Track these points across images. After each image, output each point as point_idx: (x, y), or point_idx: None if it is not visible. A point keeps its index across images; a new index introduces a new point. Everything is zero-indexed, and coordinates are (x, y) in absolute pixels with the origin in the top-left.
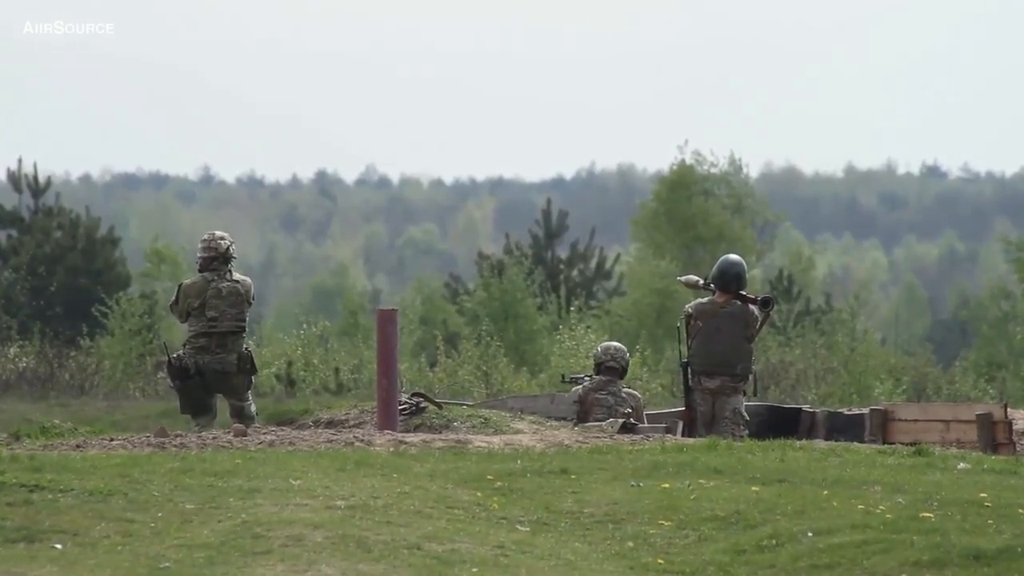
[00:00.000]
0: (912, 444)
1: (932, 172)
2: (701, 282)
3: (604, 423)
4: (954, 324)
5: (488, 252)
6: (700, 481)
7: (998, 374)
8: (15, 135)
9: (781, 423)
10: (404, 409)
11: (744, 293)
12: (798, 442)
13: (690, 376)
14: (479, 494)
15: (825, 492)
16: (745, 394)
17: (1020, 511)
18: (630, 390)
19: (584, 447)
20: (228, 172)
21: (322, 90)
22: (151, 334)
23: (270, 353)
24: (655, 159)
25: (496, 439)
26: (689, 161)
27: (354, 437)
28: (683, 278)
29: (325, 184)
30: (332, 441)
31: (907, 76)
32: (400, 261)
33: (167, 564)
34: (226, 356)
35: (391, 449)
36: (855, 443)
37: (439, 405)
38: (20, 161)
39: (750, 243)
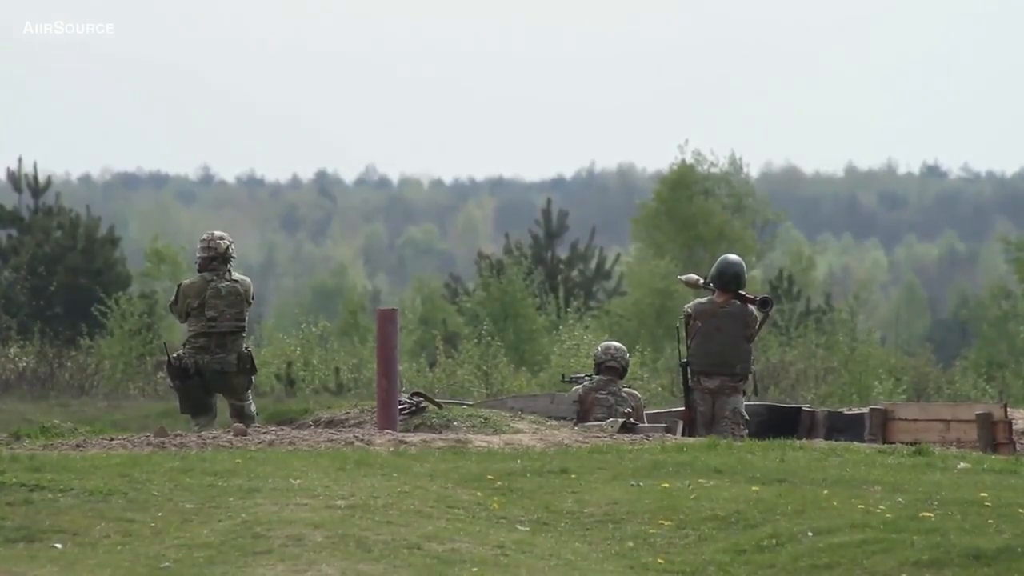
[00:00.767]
0: (912, 444)
1: (932, 172)
2: (701, 281)
3: (604, 423)
4: (954, 324)
5: (488, 252)
6: (700, 481)
7: (998, 374)
8: (15, 135)
9: (781, 423)
10: (404, 409)
11: (743, 293)
12: (798, 442)
13: (689, 376)
14: (479, 494)
15: (825, 492)
16: (745, 394)
17: (1020, 511)
18: (630, 390)
19: (584, 447)
20: (228, 172)
21: (322, 90)
22: (151, 334)
23: (270, 353)
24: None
25: (496, 439)
26: (689, 161)
27: (354, 437)
28: (683, 277)
29: (325, 184)
30: (332, 441)
31: (907, 76)
32: (400, 261)
33: (167, 564)
34: (226, 356)
35: (391, 449)
36: (855, 443)
37: (439, 405)
38: (20, 161)
39: (750, 243)
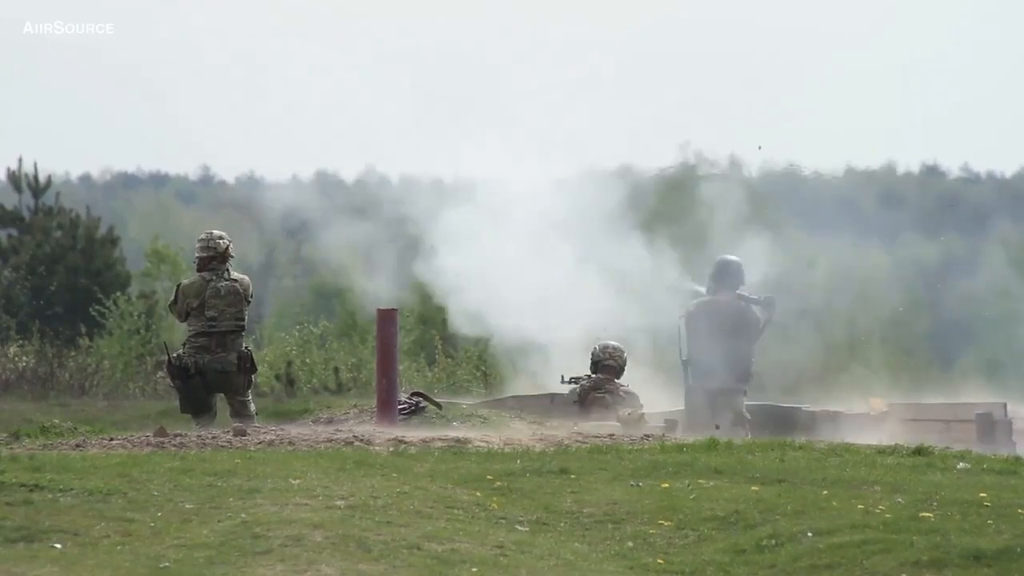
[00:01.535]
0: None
1: (932, 172)
2: (697, 288)
3: (623, 412)
4: (954, 324)
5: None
6: (700, 481)
7: (998, 374)
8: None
9: (781, 422)
10: (404, 409)
11: (746, 294)
12: (798, 442)
13: (690, 376)
14: (479, 494)
15: (825, 492)
16: (745, 394)
17: (1020, 511)
18: (628, 389)
19: (584, 447)
20: (228, 172)
21: (322, 90)
22: (149, 333)
23: (271, 353)
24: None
25: (496, 439)
26: (691, 161)
27: (354, 437)
28: (676, 283)
29: (325, 184)
30: (332, 441)
31: (907, 76)
32: (400, 261)
33: (167, 564)
34: (226, 355)
35: (391, 449)
36: (855, 443)
37: (439, 405)
38: (20, 161)
39: (751, 244)
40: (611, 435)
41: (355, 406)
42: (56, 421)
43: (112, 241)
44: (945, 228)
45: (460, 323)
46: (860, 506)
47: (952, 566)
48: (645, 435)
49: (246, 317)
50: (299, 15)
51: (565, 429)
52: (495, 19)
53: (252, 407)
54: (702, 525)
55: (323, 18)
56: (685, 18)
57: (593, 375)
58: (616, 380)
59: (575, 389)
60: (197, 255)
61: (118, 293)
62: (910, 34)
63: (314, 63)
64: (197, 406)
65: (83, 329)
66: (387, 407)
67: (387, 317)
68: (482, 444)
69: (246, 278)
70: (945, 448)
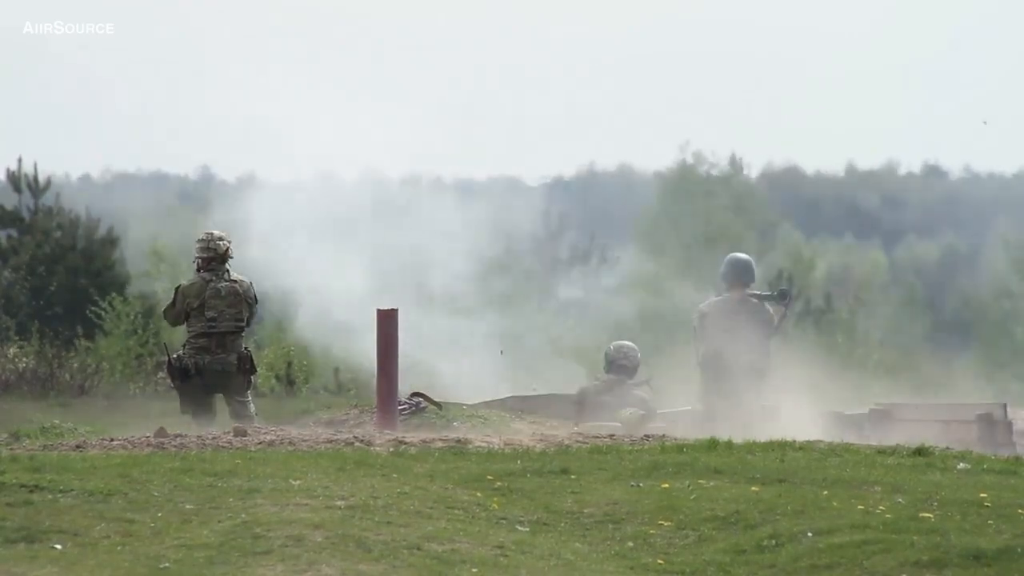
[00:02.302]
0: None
1: (932, 172)
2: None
3: (626, 411)
4: (954, 324)
5: (488, 252)
6: (700, 481)
7: (998, 374)
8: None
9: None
10: (404, 409)
11: (757, 292)
12: (798, 442)
13: (707, 376)
14: (479, 494)
15: (825, 492)
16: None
17: (1020, 511)
18: (640, 392)
19: (584, 447)
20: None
21: (322, 90)
22: (146, 333)
23: (271, 354)
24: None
25: (496, 439)
26: (690, 161)
27: (354, 437)
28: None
29: (325, 184)
30: (332, 441)
31: (907, 76)
32: (400, 261)
33: (167, 564)
34: (226, 356)
35: (391, 449)
36: (855, 443)
37: (439, 405)
38: (20, 161)
39: (751, 244)
40: (611, 435)
41: (355, 406)
42: (56, 421)
43: (112, 241)
44: (945, 228)
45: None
46: (860, 506)
47: (952, 566)
48: (645, 435)
49: (250, 318)
50: (299, 15)
51: (565, 429)
52: (496, 19)
53: (252, 408)
54: (702, 525)
55: (323, 18)
56: (685, 18)
57: (606, 376)
58: (629, 381)
59: (586, 389)
60: (197, 256)
61: (113, 295)
62: (910, 34)
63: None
64: (197, 407)
65: (80, 331)
66: (387, 407)
67: (387, 317)
68: (482, 444)
69: (247, 279)
70: (945, 448)
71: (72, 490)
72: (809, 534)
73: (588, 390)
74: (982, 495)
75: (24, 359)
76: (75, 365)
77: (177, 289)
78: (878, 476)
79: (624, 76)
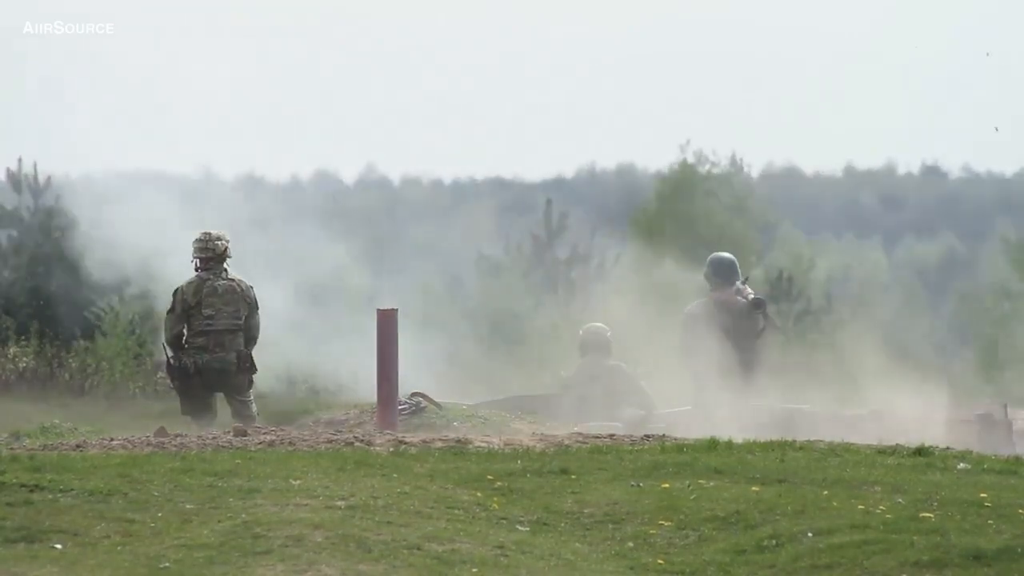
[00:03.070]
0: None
1: (932, 172)
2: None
3: (625, 413)
4: (954, 324)
5: (488, 252)
6: (700, 481)
7: (998, 374)
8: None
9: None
10: (404, 409)
11: (745, 289)
12: (798, 442)
13: (697, 376)
14: (479, 494)
15: (825, 492)
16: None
17: (1020, 511)
18: (615, 363)
19: (584, 447)
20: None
21: (322, 90)
22: (142, 333)
23: (272, 354)
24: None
25: (496, 439)
26: (691, 161)
27: (354, 437)
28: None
29: (325, 184)
30: (332, 441)
31: (907, 76)
32: (400, 261)
33: (167, 564)
34: (225, 355)
35: (391, 449)
36: (855, 443)
37: (439, 405)
38: (20, 161)
39: (751, 244)
40: (611, 435)
41: (355, 407)
42: (56, 421)
43: (111, 241)
44: (945, 228)
45: None
46: (860, 506)
47: (952, 566)
48: (645, 435)
49: (254, 321)
50: (299, 15)
51: (565, 429)
52: (496, 19)
53: (253, 407)
54: (702, 525)
55: (323, 18)
56: (685, 18)
57: (582, 359)
58: (605, 360)
59: (568, 379)
60: (196, 256)
61: (111, 295)
62: (910, 34)
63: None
64: (197, 407)
65: (78, 332)
66: (387, 407)
67: (387, 317)
68: (482, 444)
69: (246, 281)
70: (945, 448)
71: (72, 490)
72: (809, 534)
73: (571, 379)
74: (982, 495)
75: (24, 359)
76: (75, 365)
77: (176, 292)
78: (878, 476)
79: (624, 76)
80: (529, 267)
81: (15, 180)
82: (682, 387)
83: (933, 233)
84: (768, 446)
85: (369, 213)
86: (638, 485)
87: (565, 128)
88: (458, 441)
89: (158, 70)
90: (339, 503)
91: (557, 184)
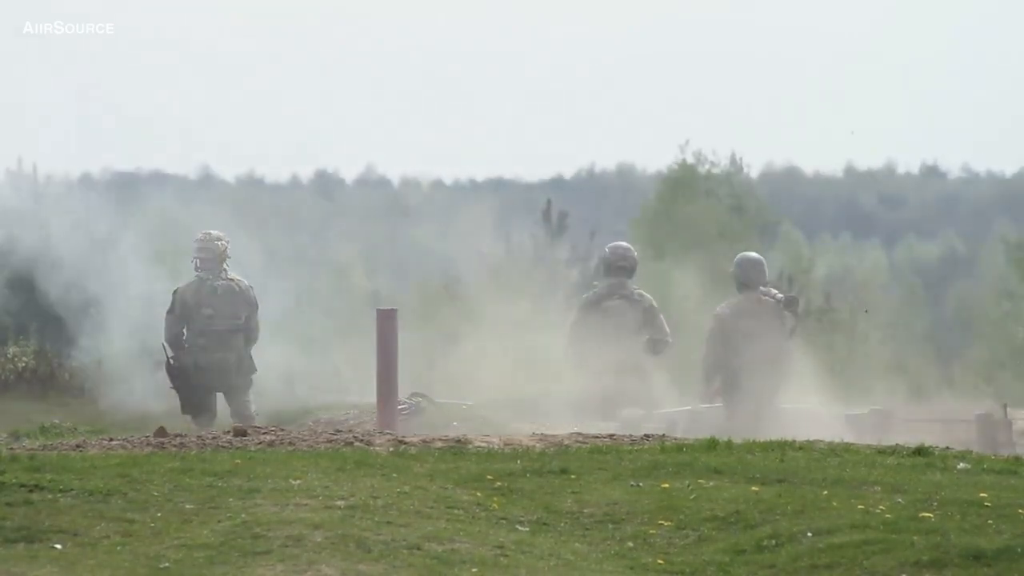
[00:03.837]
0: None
1: (932, 172)
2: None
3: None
4: (954, 324)
5: (488, 252)
6: (700, 481)
7: (998, 374)
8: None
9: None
10: (404, 409)
11: (771, 292)
12: (798, 442)
13: (726, 379)
14: (479, 494)
15: (825, 492)
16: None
17: (1020, 511)
18: (643, 292)
19: (584, 447)
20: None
21: (322, 90)
22: (142, 334)
23: (272, 354)
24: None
25: (496, 439)
26: (691, 161)
27: (354, 437)
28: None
29: (325, 184)
30: (332, 441)
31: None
32: (400, 261)
33: (167, 564)
34: (225, 355)
35: (391, 449)
36: (855, 443)
37: (439, 405)
38: (20, 161)
39: (752, 244)
40: (611, 435)
41: (355, 407)
42: (56, 421)
43: (112, 241)
44: (945, 228)
45: None
46: (860, 506)
47: (952, 566)
48: (645, 435)
49: (254, 322)
50: (299, 15)
51: (565, 429)
52: (495, 20)
53: (253, 407)
54: (702, 525)
55: (323, 19)
56: (685, 18)
57: (606, 280)
58: (629, 282)
59: (587, 296)
60: (195, 256)
61: (114, 296)
62: (910, 34)
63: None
64: (197, 406)
65: (80, 331)
66: (387, 407)
67: (387, 317)
68: (482, 444)
69: (245, 281)
70: (945, 448)
71: (72, 490)
72: (809, 534)
73: (590, 299)
74: (982, 495)
75: (24, 359)
76: (75, 365)
77: (175, 292)
78: (878, 476)
79: (624, 76)
80: (529, 267)
81: (15, 180)
82: (680, 391)
83: (933, 233)
84: (768, 446)
85: (369, 213)
86: (638, 485)
87: (565, 128)
88: (458, 441)
89: (158, 70)
90: (339, 503)
91: (557, 184)
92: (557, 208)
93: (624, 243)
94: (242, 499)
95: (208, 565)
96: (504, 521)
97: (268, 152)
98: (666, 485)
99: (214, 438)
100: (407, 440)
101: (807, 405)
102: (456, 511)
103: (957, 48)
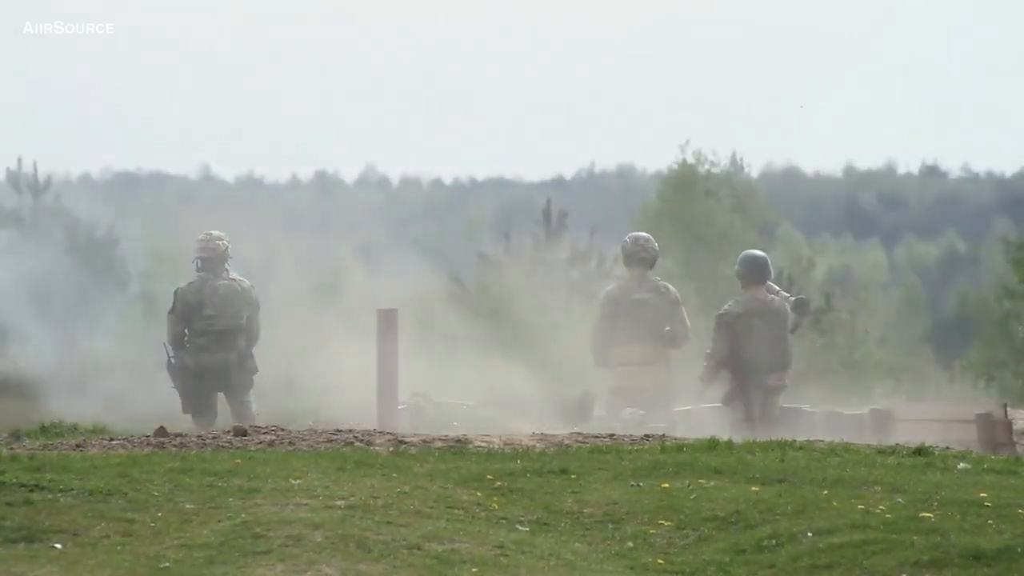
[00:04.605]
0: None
1: (932, 172)
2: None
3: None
4: (954, 324)
5: (488, 252)
6: (700, 481)
7: (998, 374)
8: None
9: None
10: (404, 409)
11: (776, 290)
12: (798, 442)
13: (749, 374)
14: (479, 494)
15: (825, 492)
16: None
17: (1020, 511)
18: (666, 284)
19: (584, 447)
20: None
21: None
22: (146, 333)
23: (273, 354)
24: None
25: (496, 439)
26: (691, 161)
27: (354, 437)
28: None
29: (325, 184)
30: (332, 441)
31: (907, 76)
32: (400, 261)
33: (167, 564)
34: (226, 355)
35: (391, 449)
36: (855, 443)
37: (439, 405)
38: (20, 161)
39: (752, 244)
40: (611, 435)
41: (355, 407)
42: (56, 421)
43: (112, 241)
44: (945, 228)
45: None
46: (860, 506)
47: (952, 566)
48: (645, 435)
49: (256, 323)
50: (299, 16)
51: (565, 429)
52: (495, 20)
53: (254, 408)
54: (702, 525)
55: (322, 19)
56: (685, 18)
57: (627, 273)
58: (650, 273)
59: (612, 289)
60: (196, 256)
61: (114, 296)
62: (910, 34)
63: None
64: (198, 406)
65: (80, 331)
66: (387, 407)
67: (387, 317)
68: (482, 444)
69: (246, 281)
70: (945, 448)
71: (72, 490)
72: (809, 534)
73: (613, 291)
74: (982, 495)
75: (24, 359)
76: (74, 365)
77: (176, 292)
78: (878, 476)
79: (624, 76)
80: (529, 267)
81: (15, 180)
82: (681, 390)
83: (933, 233)
84: (768, 446)
85: (369, 213)
86: (638, 485)
87: (565, 128)
88: (458, 441)
89: (158, 70)
90: (339, 503)
91: (557, 184)
92: (557, 208)
93: (644, 233)
94: (242, 499)
95: (208, 565)
96: (504, 521)
97: (268, 152)
98: (666, 485)
99: (214, 438)
100: (407, 440)
101: (807, 405)
102: (456, 511)
103: (957, 48)
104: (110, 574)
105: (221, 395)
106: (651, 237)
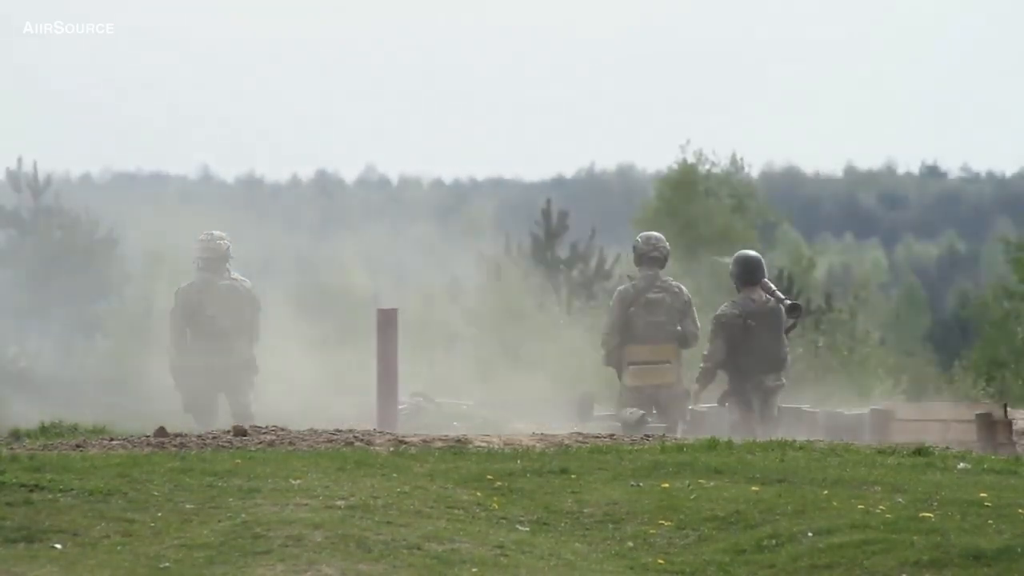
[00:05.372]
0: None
1: (932, 172)
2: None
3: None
4: (954, 324)
5: (488, 252)
6: (700, 481)
7: (998, 374)
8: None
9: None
10: (404, 409)
11: (771, 289)
12: (798, 442)
13: (747, 375)
14: (479, 494)
15: (825, 492)
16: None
17: (1020, 511)
18: (679, 284)
19: (584, 447)
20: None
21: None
22: (145, 334)
23: (273, 354)
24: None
25: (496, 439)
26: (691, 160)
27: (354, 437)
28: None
29: (325, 184)
30: (332, 441)
31: (907, 76)
32: (400, 261)
33: (167, 564)
34: (227, 355)
35: (391, 449)
36: (855, 443)
37: (439, 404)
38: (20, 161)
39: (752, 244)
40: (611, 435)
41: (355, 407)
42: (56, 421)
43: (112, 242)
44: (945, 228)
45: None
46: (860, 506)
47: (952, 566)
48: (645, 435)
49: (256, 322)
50: (299, 16)
51: (565, 429)
52: (495, 20)
53: (254, 407)
54: (702, 525)
55: (322, 19)
56: (685, 18)
57: (639, 273)
58: (662, 273)
59: (626, 289)
60: (197, 256)
61: (112, 296)
62: (910, 34)
63: (315, 62)
64: (198, 406)
65: (80, 331)
66: (387, 407)
67: (387, 317)
68: (482, 444)
69: (248, 281)
70: (945, 448)
71: (72, 490)
72: (809, 534)
73: (627, 291)
74: (982, 495)
75: (24, 359)
76: (75, 365)
77: (178, 292)
78: (878, 476)
79: (624, 76)
80: (529, 267)
81: (15, 180)
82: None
83: (933, 233)
84: (768, 446)
85: (369, 213)
86: (638, 485)
87: (565, 128)
88: (458, 441)
89: (158, 70)
90: (339, 503)
91: (557, 184)
92: (557, 208)
93: (656, 233)
94: (242, 499)
95: (208, 565)
96: (504, 521)
97: (268, 152)
98: (666, 485)
99: (214, 438)
100: (407, 440)
101: (807, 405)
102: (456, 511)
103: (957, 48)
104: (110, 574)
105: (221, 395)
106: (662, 236)
